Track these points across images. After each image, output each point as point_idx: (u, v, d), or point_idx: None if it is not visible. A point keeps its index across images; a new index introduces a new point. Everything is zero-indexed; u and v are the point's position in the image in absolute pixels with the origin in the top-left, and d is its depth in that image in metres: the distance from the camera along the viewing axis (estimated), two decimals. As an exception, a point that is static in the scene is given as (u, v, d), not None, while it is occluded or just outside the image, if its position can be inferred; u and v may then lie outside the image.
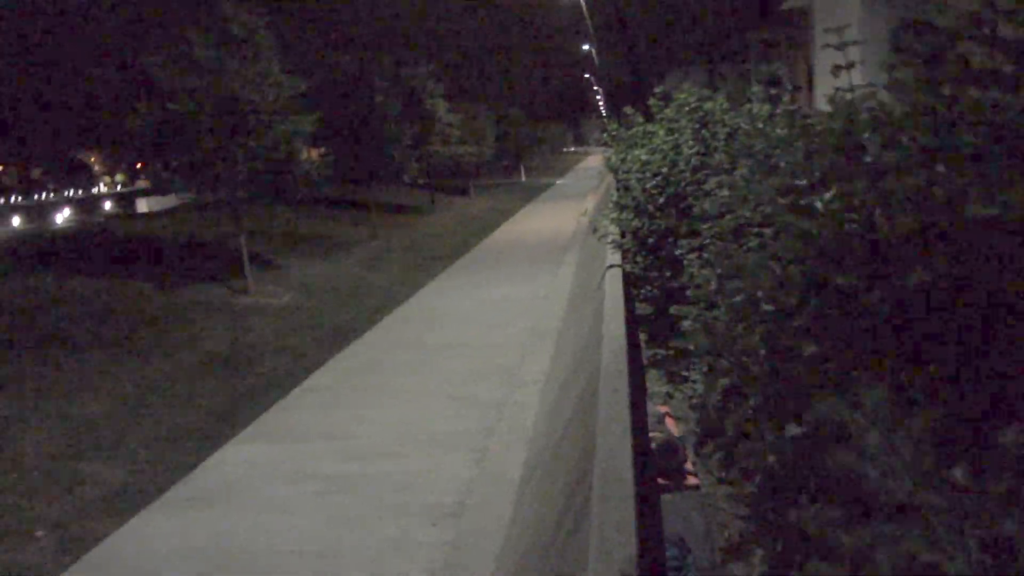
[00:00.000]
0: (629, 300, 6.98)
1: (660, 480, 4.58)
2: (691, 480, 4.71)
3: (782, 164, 2.67)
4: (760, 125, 5.17)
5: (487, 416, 7.72)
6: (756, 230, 4.54)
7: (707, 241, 5.63)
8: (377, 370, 10.00)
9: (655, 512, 3.81)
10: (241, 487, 6.62)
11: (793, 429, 2.20)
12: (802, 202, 2.40)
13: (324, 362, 10.47)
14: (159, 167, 14.80)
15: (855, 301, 2.23)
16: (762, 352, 2.65)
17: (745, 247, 4.65)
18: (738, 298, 2.81)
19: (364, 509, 6.02)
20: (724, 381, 3.08)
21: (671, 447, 4.78)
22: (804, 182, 2.47)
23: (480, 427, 7.50)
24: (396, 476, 6.62)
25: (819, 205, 2.29)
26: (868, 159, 2.19)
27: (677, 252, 6.73)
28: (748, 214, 4.44)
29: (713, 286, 3.21)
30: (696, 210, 5.79)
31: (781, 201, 2.49)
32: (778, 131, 3.36)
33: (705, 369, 4.81)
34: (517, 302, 13.21)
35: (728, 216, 4.96)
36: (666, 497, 4.30)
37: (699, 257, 5.46)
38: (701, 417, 2.82)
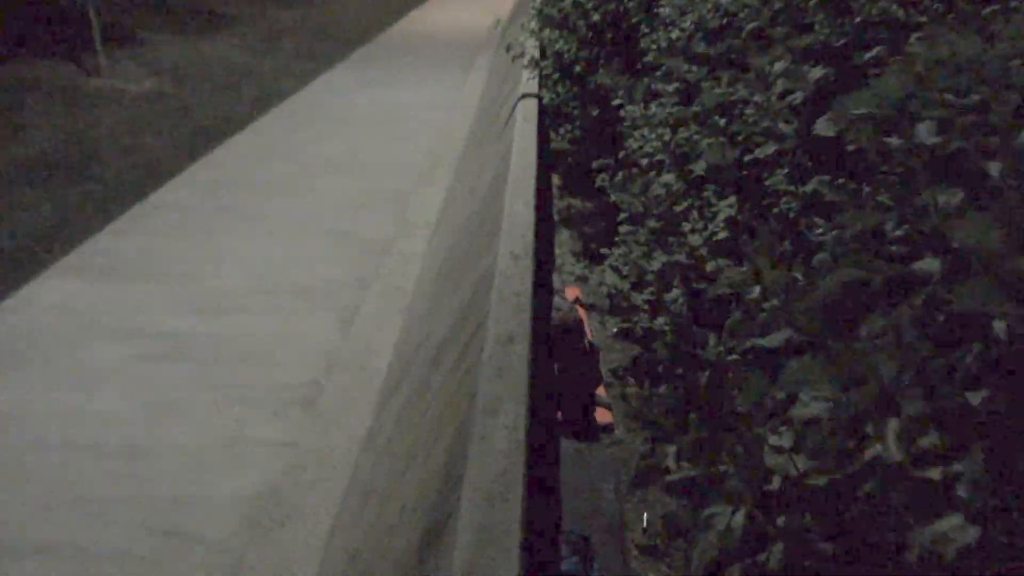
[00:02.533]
0: (544, 140, 5.67)
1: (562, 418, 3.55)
2: (603, 414, 3.73)
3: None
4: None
5: (365, 263, 6.49)
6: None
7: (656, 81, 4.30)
8: (245, 187, 8.48)
9: (551, 495, 2.77)
10: (41, 345, 5.30)
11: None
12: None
13: (181, 171, 8.85)
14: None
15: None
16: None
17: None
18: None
19: (195, 388, 4.85)
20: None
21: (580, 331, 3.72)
22: None
23: (355, 277, 6.29)
24: (243, 340, 5.42)
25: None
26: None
27: (606, 81, 5.40)
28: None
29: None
30: (644, 42, 4.44)
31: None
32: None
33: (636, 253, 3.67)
34: (418, 110, 11.62)
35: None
36: (567, 445, 3.28)
37: (644, 109, 4.14)
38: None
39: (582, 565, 2.64)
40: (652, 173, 3.39)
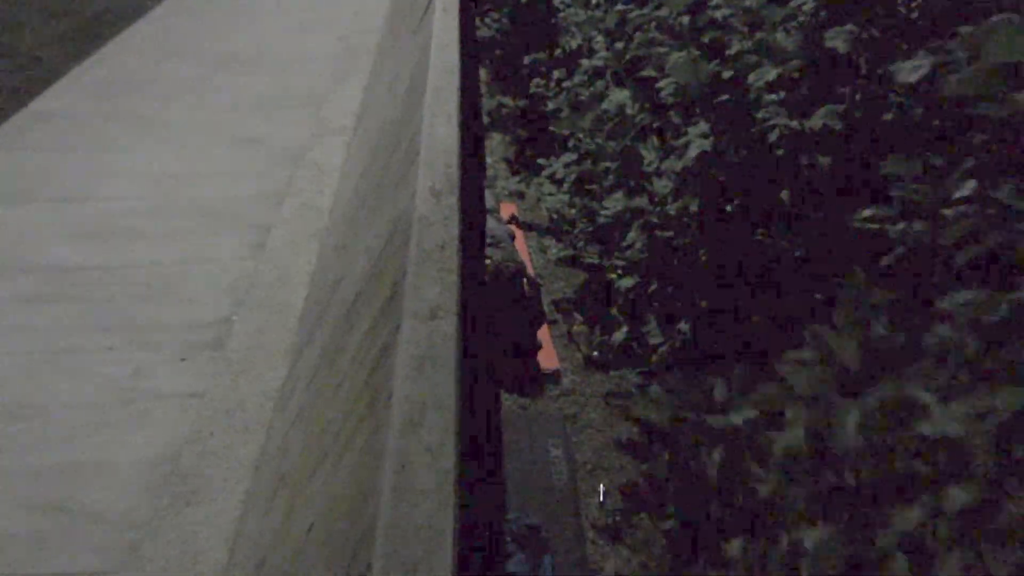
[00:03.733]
0: (469, 28, 5.04)
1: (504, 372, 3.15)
2: (546, 358, 3.34)
3: None
4: None
5: (277, 176, 5.87)
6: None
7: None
8: (139, 89, 7.62)
9: (494, 471, 2.41)
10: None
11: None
12: None
13: (65, 72, 7.90)
14: None
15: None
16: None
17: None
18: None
19: (86, 332, 4.30)
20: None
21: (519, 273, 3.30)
22: None
23: (265, 192, 5.68)
24: (142, 271, 4.84)
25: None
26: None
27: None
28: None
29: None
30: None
31: None
32: None
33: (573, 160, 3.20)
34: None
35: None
36: (509, 402, 2.89)
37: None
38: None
39: (531, 561, 2.33)
40: (599, 84, 2.89)
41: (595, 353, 3.47)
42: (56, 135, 6.63)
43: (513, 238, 4.15)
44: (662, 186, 2.20)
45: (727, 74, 2.10)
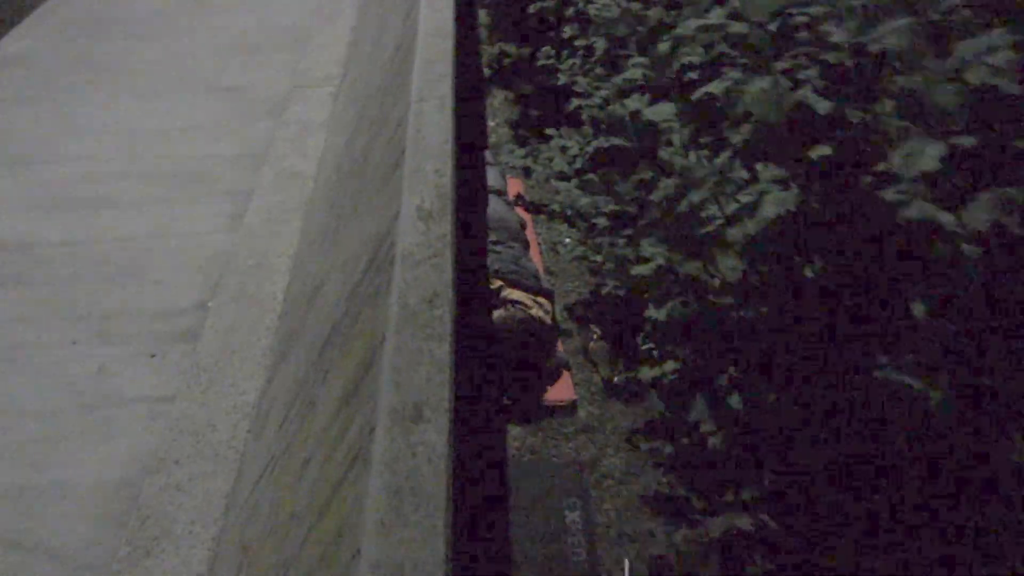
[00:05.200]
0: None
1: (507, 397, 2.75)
2: (561, 389, 2.95)
3: None
4: None
5: (257, 132, 5.38)
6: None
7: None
8: (109, 31, 7.03)
9: (501, 526, 2.06)
10: None
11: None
12: None
13: (29, 11, 7.30)
14: None
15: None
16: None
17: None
18: None
19: (45, 321, 3.91)
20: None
21: (530, 331, 2.88)
22: None
23: (244, 152, 5.21)
24: (109, 247, 4.42)
25: None
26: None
27: None
28: None
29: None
30: None
31: None
32: None
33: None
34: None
35: None
36: (515, 442, 2.51)
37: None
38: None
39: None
40: (632, 101, 2.38)
41: (616, 379, 3.10)
42: (15, 84, 6.11)
43: (524, 227, 3.70)
44: (729, 266, 1.77)
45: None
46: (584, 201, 2.54)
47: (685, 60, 2.01)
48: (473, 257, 2.60)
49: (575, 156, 3.40)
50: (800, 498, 1.95)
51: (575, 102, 3.09)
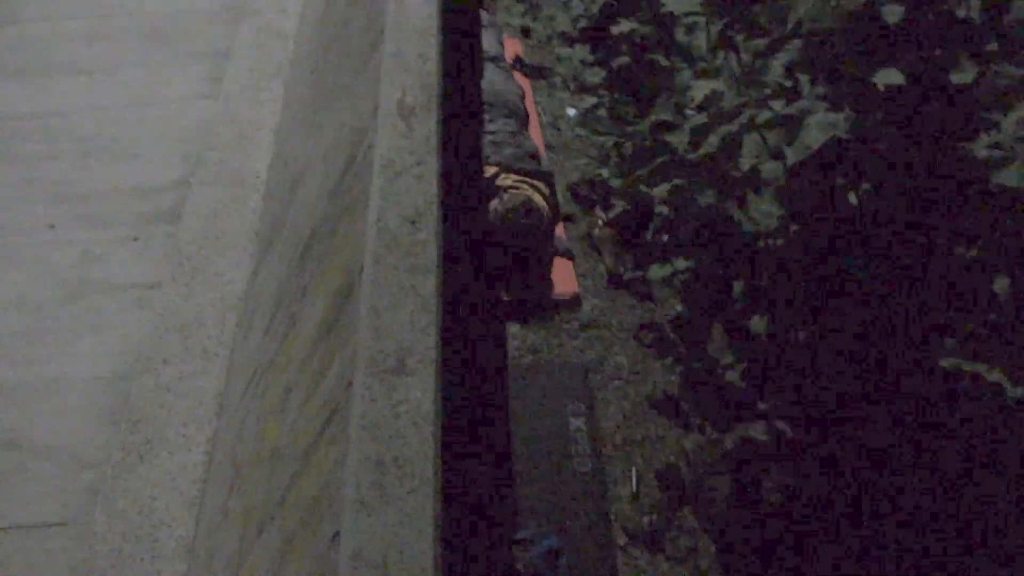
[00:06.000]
0: None
1: (504, 292, 2.57)
2: (564, 281, 2.73)
3: None
4: None
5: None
6: None
7: None
8: None
9: (502, 438, 1.97)
10: None
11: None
12: None
13: None
14: None
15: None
16: None
17: None
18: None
19: (22, 203, 3.72)
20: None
21: (528, 220, 2.66)
22: None
23: (219, 5, 4.80)
24: (83, 117, 4.17)
25: None
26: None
27: None
28: None
29: None
30: None
31: None
32: None
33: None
34: None
35: None
36: (515, 341, 2.36)
37: None
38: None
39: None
40: None
41: (622, 270, 2.90)
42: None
43: (523, 97, 3.38)
44: (764, 211, 1.49)
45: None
46: (595, 138, 2.22)
47: None
48: (466, 142, 2.37)
49: (579, 16, 3.06)
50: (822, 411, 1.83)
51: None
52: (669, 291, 2.71)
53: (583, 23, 3.03)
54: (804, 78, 1.50)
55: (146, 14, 4.80)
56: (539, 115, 3.75)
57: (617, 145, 1.92)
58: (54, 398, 3.02)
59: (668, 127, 1.72)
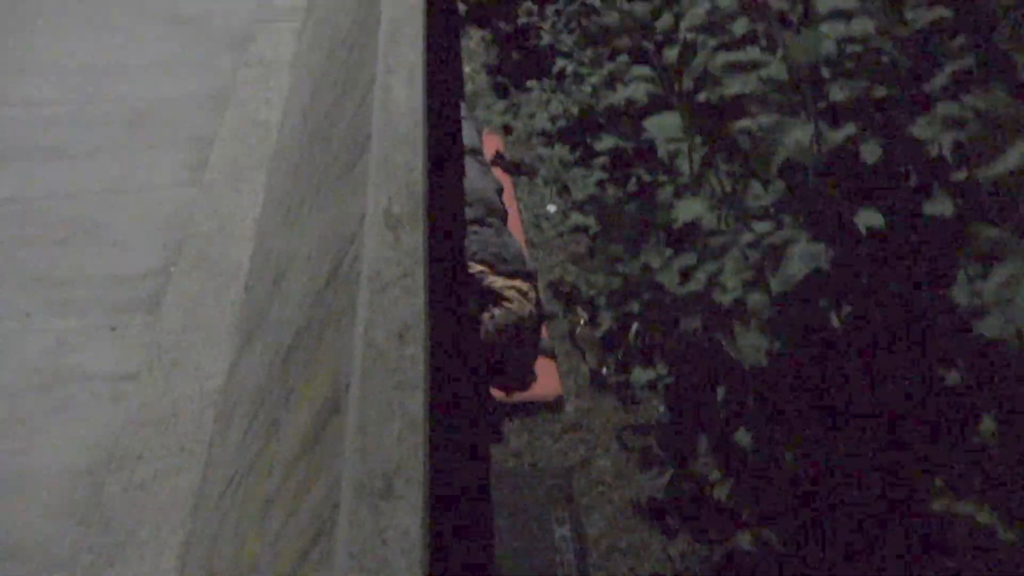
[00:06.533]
0: None
1: (487, 394, 2.59)
2: (546, 382, 2.76)
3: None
4: None
5: (218, 70, 5.04)
6: None
7: None
8: (53, -52, 6.49)
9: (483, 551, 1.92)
10: None
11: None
12: None
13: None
14: None
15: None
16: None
17: None
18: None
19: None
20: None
21: (514, 330, 2.69)
22: None
23: (204, 92, 4.88)
24: (62, 202, 4.15)
25: None
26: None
27: None
28: None
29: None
30: None
31: None
32: None
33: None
34: None
35: None
36: (501, 448, 2.36)
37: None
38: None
39: None
40: None
41: (605, 370, 2.93)
42: (-44, 15, 5.65)
43: (501, 192, 3.45)
44: (751, 344, 1.51)
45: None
46: (586, 280, 2.22)
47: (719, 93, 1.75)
48: (448, 240, 2.40)
49: (557, 116, 3.15)
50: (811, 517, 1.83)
51: (560, 62, 2.82)
52: (652, 393, 2.72)
53: (561, 123, 3.11)
54: (788, 218, 1.55)
55: (130, 100, 4.86)
56: (520, 211, 3.81)
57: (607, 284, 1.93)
58: (23, 492, 2.94)
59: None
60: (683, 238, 1.80)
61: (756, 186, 1.67)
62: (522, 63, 4.31)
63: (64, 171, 4.37)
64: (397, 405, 1.44)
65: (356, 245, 1.86)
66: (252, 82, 4.73)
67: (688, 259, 1.65)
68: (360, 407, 1.44)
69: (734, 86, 1.47)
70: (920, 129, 1.41)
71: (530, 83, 3.37)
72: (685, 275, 1.66)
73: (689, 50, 1.74)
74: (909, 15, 1.39)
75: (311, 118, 3.35)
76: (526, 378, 2.93)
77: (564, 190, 2.99)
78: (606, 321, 1.89)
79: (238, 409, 2.52)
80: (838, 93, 1.49)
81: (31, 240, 3.96)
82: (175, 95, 4.90)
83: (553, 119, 3.11)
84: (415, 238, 1.80)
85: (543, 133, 3.48)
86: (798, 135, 1.40)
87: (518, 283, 3.07)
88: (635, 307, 1.74)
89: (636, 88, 1.77)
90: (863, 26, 1.45)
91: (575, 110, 2.86)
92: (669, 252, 1.68)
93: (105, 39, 5.40)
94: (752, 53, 1.49)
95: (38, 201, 4.18)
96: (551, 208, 3.78)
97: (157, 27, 5.53)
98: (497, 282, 3.03)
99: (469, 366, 2.29)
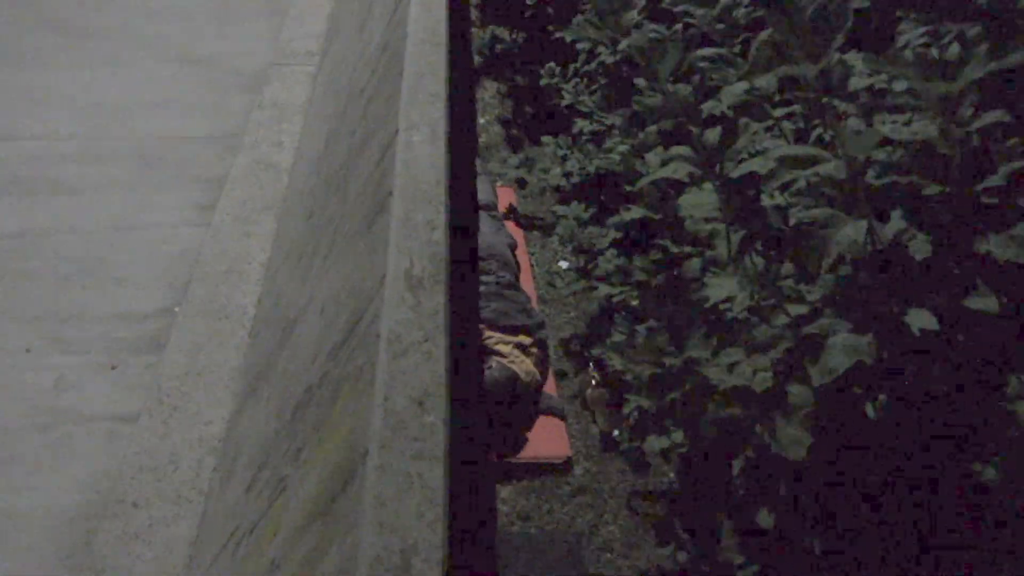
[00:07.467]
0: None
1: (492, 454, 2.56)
2: (554, 443, 2.73)
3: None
4: None
5: (230, 111, 5.07)
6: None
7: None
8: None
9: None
10: None
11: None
12: None
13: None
14: None
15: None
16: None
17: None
18: None
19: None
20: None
21: (514, 389, 2.66)
22: None
23: (216, 133, 4.90)
24: (67, 240, 4.14)
25: None
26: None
27: None
28: None
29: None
30: None
31: None
32: None
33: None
34: None
35: None
36: (503, 507, 2.32)
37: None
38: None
39: None
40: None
41: (615, 433, 2.90)
42: (-28, 46, 5.69)
43: (514, 248, 3.45)
44: (791, 438, 1.49)
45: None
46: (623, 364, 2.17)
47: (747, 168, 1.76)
48: (463, 301, 2.39)
49: (572, 173, 3.16)
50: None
51: (579, 123, 2.85)
52: (662, 459, 2.70)
53: (576, 179, 3.13)
54: (829, 311, 1.55)
55: (142, 137, 4.87)
56: (532, 266, 3.81)
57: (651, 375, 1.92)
58: (15, 533, 2.88)
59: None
60: (713, 315, 1.79)
61: (789, 267, 1.68)
62: (537, 116, 4.35)
63: (72, 206, 4.36)
64: (416, 477, 1.41)
65: (376, 304, 1.84)
66: (264, 124, 4.75)
67: (737, 354, 1.64)
68: (378, 477, 1.41)
69: (784, 177, 1.47)
70: (1000, 249, 1.41)
71: (545, 138, 3.40)
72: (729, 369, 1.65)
73: (730, 132, 1.76)
74: (966, 113, 1.40)
75: (325, 165, 3.36)
76: (518, 440, 2.88)
77: (578, 248, 2.99)
78: (643, 404, 1.86)
79: (240, 460, 2.47)
80: (890, 189, 1.50)
81: (35, 274, 3.93)
82: (187, 134, 4.92)
83: (567, 175, 3.14)
84: (436, 300, 1.78)
85: (557, 189, 3.49)
86: (850, 231, 1.40)
87: (520, 338, 3.06)
88: (675, 395, 1.72)
89: (678, 167, 1.77)
90: (927, 130, 1.46)
91: (591, 168, 2.88)
92: (714, 340, 1.67)
93: (116, 76, 5.43)
94: (809, 148, 1.49)
95: (44, 236, 4.17)
96: (563, 264, 3.77)
97: (172, 67, 5.58)
98: (493, 338, 3.01)
99: (470, 426, 2.26)
